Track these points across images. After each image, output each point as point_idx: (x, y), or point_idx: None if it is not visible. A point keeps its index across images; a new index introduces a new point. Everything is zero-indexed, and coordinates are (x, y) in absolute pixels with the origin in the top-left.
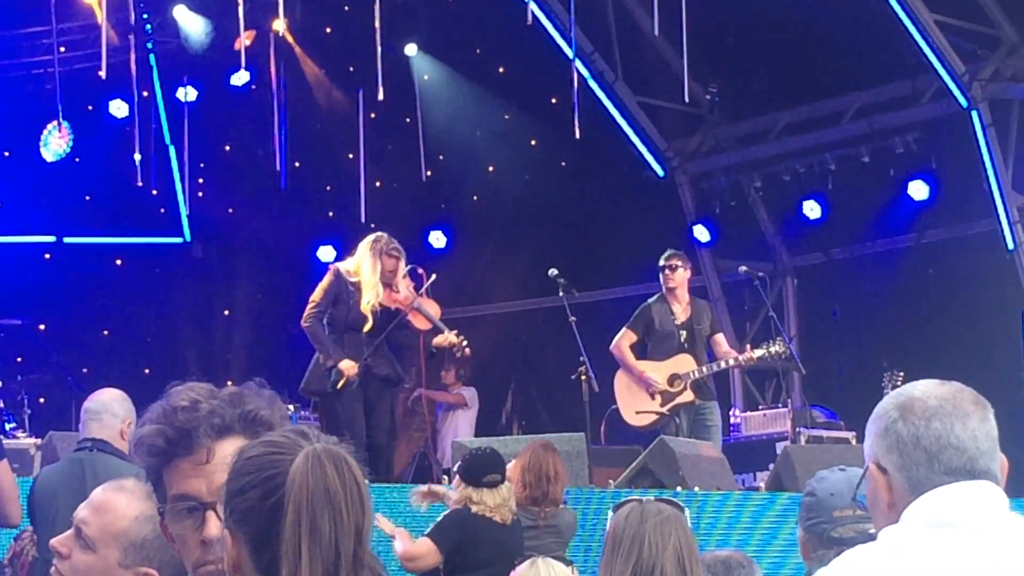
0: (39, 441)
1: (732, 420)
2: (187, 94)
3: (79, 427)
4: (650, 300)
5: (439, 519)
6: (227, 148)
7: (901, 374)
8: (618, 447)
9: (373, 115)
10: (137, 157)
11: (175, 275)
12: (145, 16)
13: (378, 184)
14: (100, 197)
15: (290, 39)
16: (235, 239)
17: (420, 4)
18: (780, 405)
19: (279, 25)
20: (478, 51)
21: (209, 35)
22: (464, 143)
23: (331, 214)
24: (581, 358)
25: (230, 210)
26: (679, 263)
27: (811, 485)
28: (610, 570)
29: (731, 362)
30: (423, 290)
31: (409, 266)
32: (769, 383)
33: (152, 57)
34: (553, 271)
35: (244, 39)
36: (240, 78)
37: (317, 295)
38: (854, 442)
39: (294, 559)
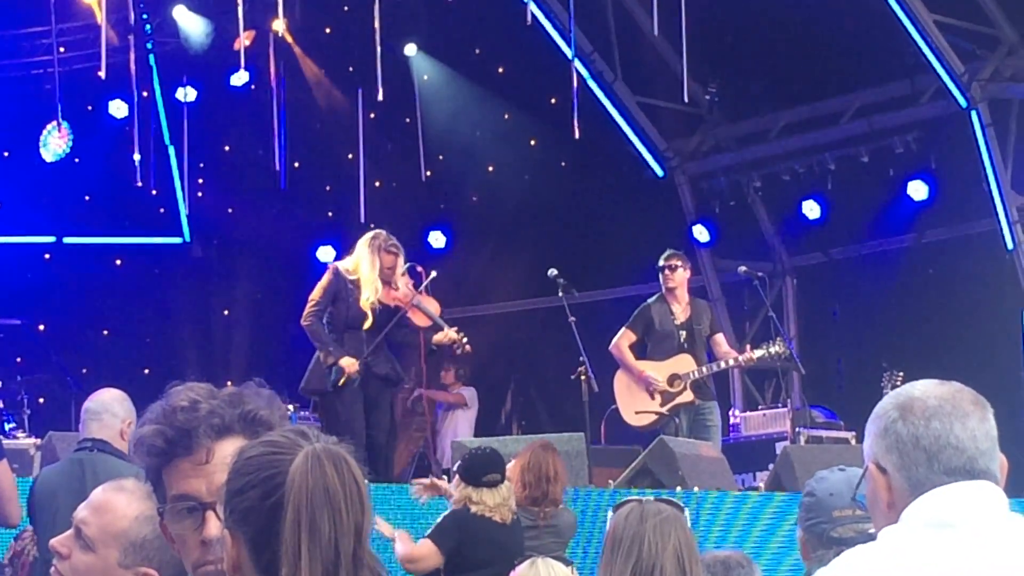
0: (39, 441)
1: (732, 420)
2: (187, 94)
3: (79, 427)
4: (650, 300)
5: (439, 520)
6: (227, 148)
7: (901, 374)
8: (618, 447)
9: (373, 115)
10: (136, 157)
11: (175, 275)
12: (145, 16)
13: (378, 184)
14: (100, 197)
15: (290, 39)
16: (235, 239)
17: (420, 4)
18: (780, 405)
19: (279, 25)
20: (478, 51)
21: (209, 36)
22: (464, 143)
23: (331, 214)
24: (581, 358)
25: (230, 210)
26: (679, 263)
27: (810, 485)
28: (610, 570)
29: (731, 362)
30: (423, 288)
31: (408, 264)
32: (769, 383)
33: (152, 57)
34: (552, 271)
35: (244, 39)
36: (240, 78)
37: (316, 294)
38: (853, 442)
39: (294, 559)
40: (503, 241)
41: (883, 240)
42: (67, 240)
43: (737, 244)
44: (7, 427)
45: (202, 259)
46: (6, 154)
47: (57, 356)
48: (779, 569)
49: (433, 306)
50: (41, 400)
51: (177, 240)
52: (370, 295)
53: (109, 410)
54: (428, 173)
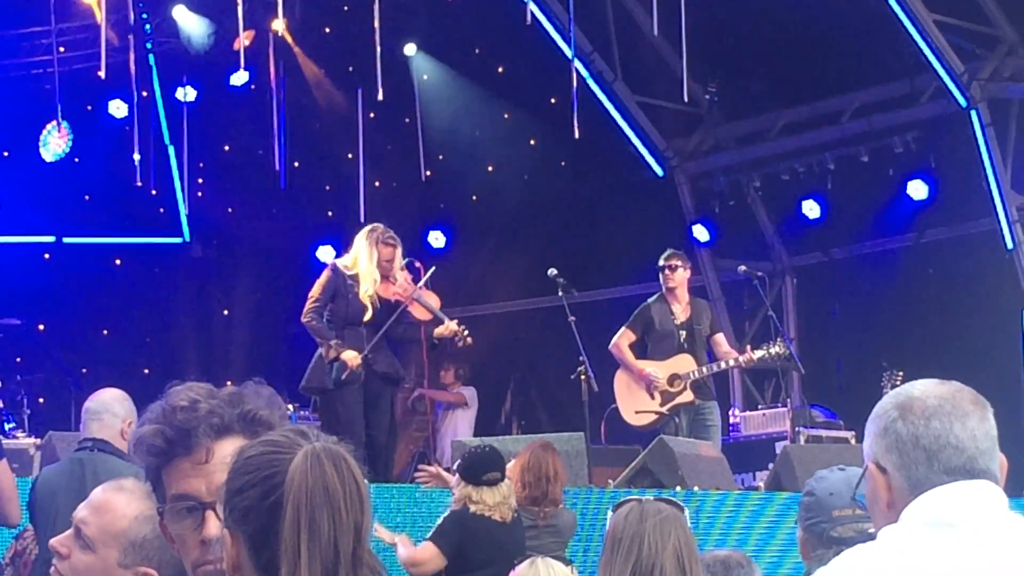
0: (39, 441)
1: (732, 420)
2: (186, 94)
3: (79, 427)
4: (650, 300)
5: (439, 522)
6: (226, 148)
7: (900, 374)
8: (617, 447)
9: (372, 115)
10: (136, 157)
11: (174, 275)
12: (144, 16)
13: (377, 184)
14: (99, 197)
15: (289, 39)
16: (234, 239)
17: (420, 4)
18: (779, 405)
19: (278, 25)
20: (477, 51)
21: (210, 36)
22: (464, 143)
23: (330, 214)
24: (580, 358)
25: (229, 210)
26: (679, 263)
27: (810, 485)
28: (609, 570)
29: (731, 362)
30: (422, 283)
31: (407, 259)
32: (768, 383)
33: (151, 57)
34: (552, 271)
35: (243, 39)
36: (239, 78)
37: (315, 291)
38: (853, 442)
39: (293, 558)
40: (503, 241)
41: (883, 240)
42: (67, 240)
43: (737, 244)
44: (7, 427)
45: (202, 259)
46: (6, 154)
47: (57, 356)
48: (779, 569)
49: (433, 300)
50: (41, 400)
51: (177, 240)
52: (369, 287)
53: (109, 410)
54: (428, 173)
